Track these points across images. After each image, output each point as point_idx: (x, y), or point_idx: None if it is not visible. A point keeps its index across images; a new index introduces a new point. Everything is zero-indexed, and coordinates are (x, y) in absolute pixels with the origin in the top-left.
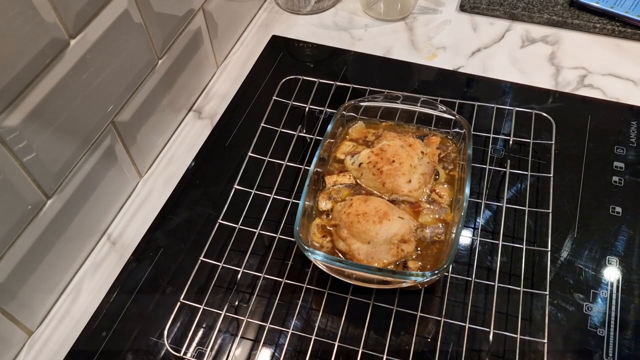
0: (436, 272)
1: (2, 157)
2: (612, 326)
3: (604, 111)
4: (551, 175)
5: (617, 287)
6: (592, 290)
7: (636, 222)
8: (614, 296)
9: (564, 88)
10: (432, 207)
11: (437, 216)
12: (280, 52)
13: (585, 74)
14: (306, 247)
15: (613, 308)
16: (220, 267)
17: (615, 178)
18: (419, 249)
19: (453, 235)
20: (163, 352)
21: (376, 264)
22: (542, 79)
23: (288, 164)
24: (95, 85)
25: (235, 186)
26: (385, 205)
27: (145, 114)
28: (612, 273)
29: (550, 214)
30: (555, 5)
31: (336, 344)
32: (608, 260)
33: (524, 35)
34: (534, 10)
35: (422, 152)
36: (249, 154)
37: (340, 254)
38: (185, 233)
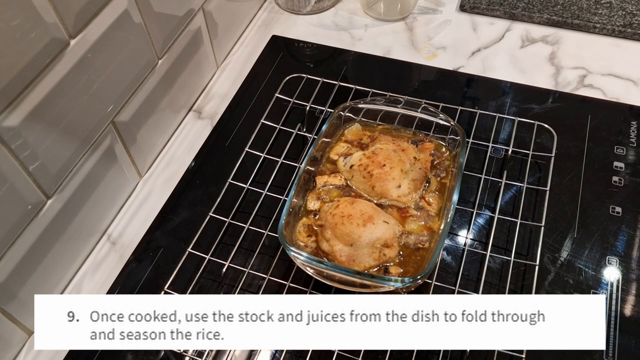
0: (417, 278)
1: (2, 157)
2: (612, 326)
3: (604, 111)
4: (547, 189)
5: (617, 287)
6: (592, 290)
7: (636, 222)
8: (614, 296)
9: (564, 88)
10: (419, 213)
11: (423, 223)
12: (280, 52)
13: (585, 74)
14: (287, 245)
15: (613, 308)
16: (216, 264)
17: (615, 178)
18: (401, 254)
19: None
20: (163, 351)
21: (357, 267)
22: (542, 79)
23: (284, 161)
24: (96, 85)
25: (230, 180)
26: (371, 209)
27: (145, 114)
28: (612, 273)
29: (542, 228)
30: (555, 5)
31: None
32: (608, 260)
33: (524, 35)
34: (534, 10)
35: (415, 158)
36: (246, 149)
37: (323, 255)
38: (185, 233)
